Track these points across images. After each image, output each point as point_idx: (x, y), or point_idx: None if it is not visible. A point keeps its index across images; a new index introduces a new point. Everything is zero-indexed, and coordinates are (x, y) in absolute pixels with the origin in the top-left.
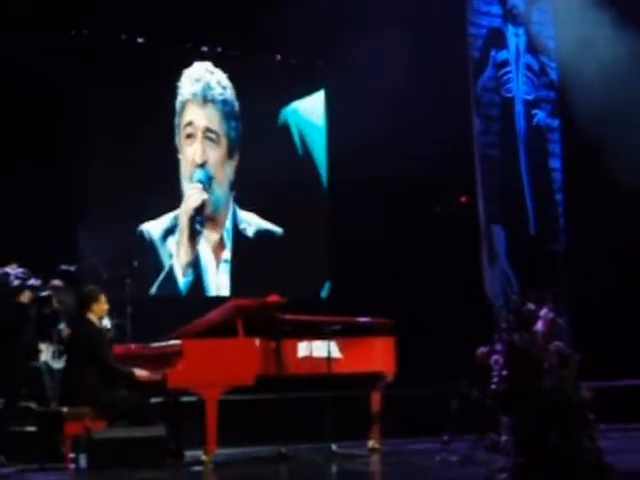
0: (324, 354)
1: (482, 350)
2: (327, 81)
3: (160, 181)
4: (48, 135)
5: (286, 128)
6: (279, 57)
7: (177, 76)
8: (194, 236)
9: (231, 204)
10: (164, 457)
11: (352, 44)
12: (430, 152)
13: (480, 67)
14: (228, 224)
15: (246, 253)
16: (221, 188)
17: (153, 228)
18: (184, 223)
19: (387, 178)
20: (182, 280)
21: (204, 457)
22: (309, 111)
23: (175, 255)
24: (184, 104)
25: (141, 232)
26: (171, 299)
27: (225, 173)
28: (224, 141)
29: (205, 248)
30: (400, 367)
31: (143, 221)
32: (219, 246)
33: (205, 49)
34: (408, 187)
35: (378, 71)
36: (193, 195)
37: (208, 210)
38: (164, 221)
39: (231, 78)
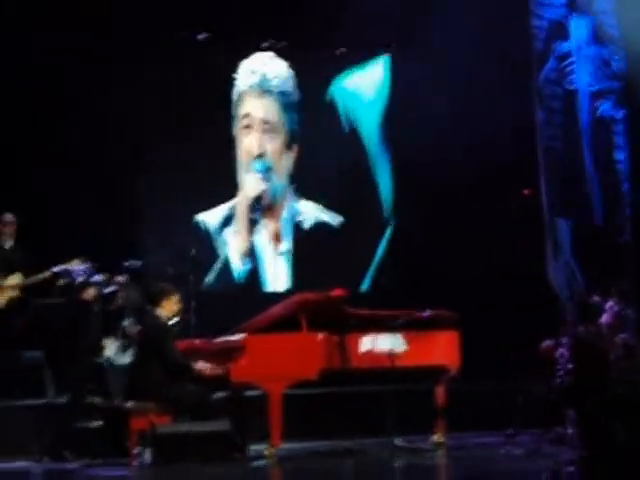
0: (387, 348)
1: (547, 343)
2: (389, 72)
3: (217, 172)
4: (108, 130)
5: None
6: (343, 49)
7: (234, 67)
8: (251, 225)
9: (289, 196)
10: (228, 451)
11: (415, 34)
12: (492, 144)
13: (542, 59)
14: (285, 215)
15: (304, 245)
16: (279, 179)
17: (209, 218)
18: (241, 212)
19: (449, 171)
20: (239, 270)
21: (268, 451)
22: (370, 102)
23: (231, 245)
24: (241, 95)
25: (197, 223)
26: (232, 294)
27: (283, 164)
28: (282, 132)
29: (262, 238)
30: (465, 361)
31: (200, 212)
32: (276, 237)
33: (268, 43)
34: (471, 180)
35: (440, 64)
36: (251, 184)
37: (266, 200)
38: (220, 211)
39: (292, 67)
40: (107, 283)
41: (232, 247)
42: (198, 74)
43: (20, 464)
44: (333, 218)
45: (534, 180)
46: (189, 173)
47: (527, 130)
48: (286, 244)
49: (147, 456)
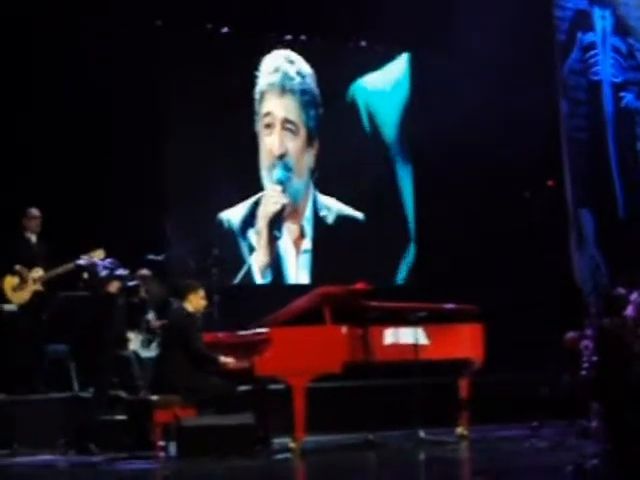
0: (411, 341)
1: (571, 335)
2: (411, 66)
3: (240, 168)
4: (132, 125)
5: (371, 118)
6: (364, 43)
7: (257, 64)
8: (273, 241)
9: (311, 191)
10: (252, 444)
11: (437, 27)
12: (516, 136)
13: (566, 50)
14: (308, 213)
15: (326, 241)
16: (301, 178)
17: (232, 216)
18: (263, 226)
19: (473, 163)
20: (261, 277)
21: (292, 444)
22: (390, 98)
23: (255, 252)
24: (263, 94)
25: (220, 220)
26: (253, 287)
27: (305, 162)
28: (303, 131)
29: (285, 240)
30: (489, 353)
31: (223, 209)
32: (299, 236)
33: (289, 37)
34: (494, 172)
35: (463, 56)
36: (273, 198)
37: (287, 212)
38: (242, 209)
39: (312, 64)
40: (130, 276)
41: (255, 256)
42: (223, 70)
43: (45, 457)
44: (355, 212)
45: (558, 171)
46: (213, 169)
47: (551, 121)
48: (309, 242)
49: (172, 449)
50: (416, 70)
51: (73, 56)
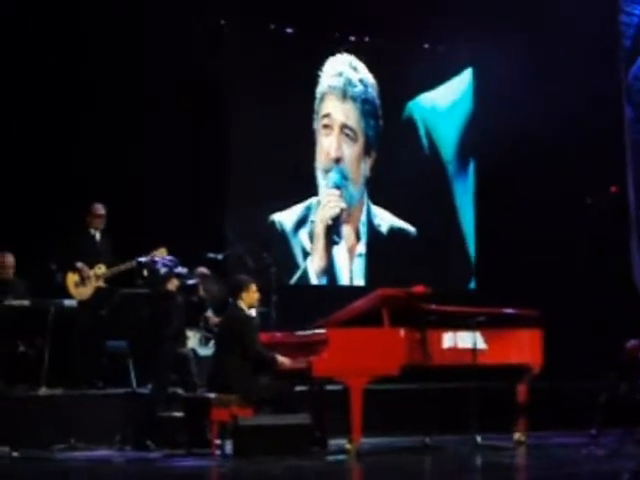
0: (469, 345)
1: (632, 343)
2: (474, 79)
3: (296, 168)
4: (196, 126)
5: (429, 136)
6: (426, 45)
7: (320, 65)
8: (330, 245)
9: (365, 198)
10: (309, 445)
11: (498, 30)
12: (579, 141)
13: (632, 56)
14: (363, 218)
15: (380, 246)
16: (356, 185)
17: (284, 218)
18: (320, 230)
19: (535, 168)
20: (317, 280)
21: (348, 446)
22: (451, 116)
23: (310, 256)
24: (323, 95)
25: (273, 222)
26: (310, 288)
27: (361, 169)
28: (361, 139)
29: (341, 243)
30: (548, 359)
31: (279, 209)
32: (354, 240)
33: (353, 38)
34: (557, 178)
35: (525, 60)
36: (331, 202)
37: (344, 217)
38: (296, 212)
39: (375, 73)
40: (190, 275)
41: (310, 263)
42: (284, 69)
43: (102, 453)
44: (408, 225)
45: (622, 177)
46: (272, 168)
47: (615, 127)
48: (363, 247)
49: (228, 448)
50: (479, 81)
51: (139, 54)
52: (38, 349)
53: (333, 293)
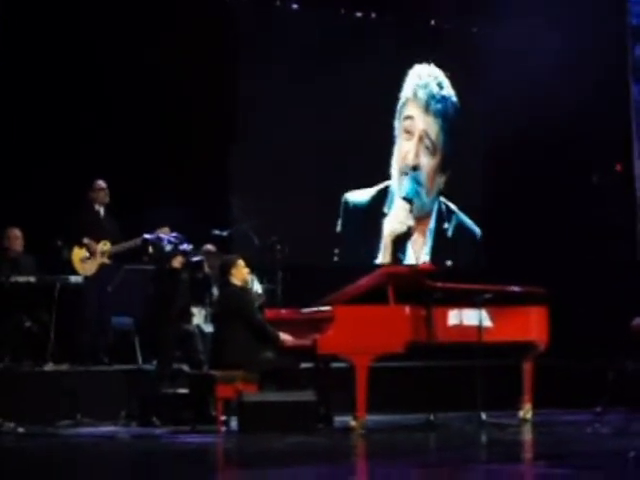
0: (475, 322)
1: (638, 321)
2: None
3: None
4: (201, 102)
5: None
6: None
7: (407, 68)
8: (397, 259)
9: (436, 207)
10: (314, 422)
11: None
12: (586, 120)
13: (639, 34)
14: (431, 225)
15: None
16: (429, 196)
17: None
18: (387, 243)
19: (540, 146)
20: None
21: (353, 423)
22: None
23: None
24: (407, 100)
25: (346, 200)
26: (316, 265)
27: (435, 183)
28: (439, 154)
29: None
30: (554, 337)
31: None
32: (421, 247)
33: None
34: (562, 156)
35: (534, 37)
36: (399, 217)
37: (411, 234)
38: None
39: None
40: (195, 252)
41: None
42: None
43: (108, 429)
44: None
45: (627, 156)
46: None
47: (622, 105)
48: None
49: (233, 424)
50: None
51: (150, 31)
52: (44, 325)
53: (340, 271)
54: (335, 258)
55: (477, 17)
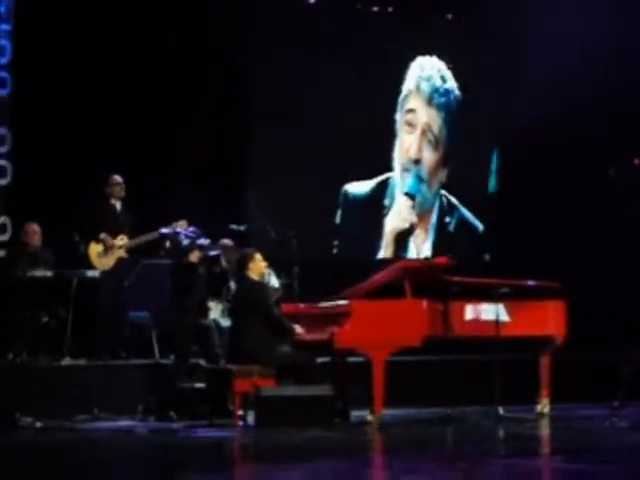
0: (492, 317)
1: None
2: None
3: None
4: (219, 96)
5: None
6: None
7: (410, 59)
8: (398, 256)
9: (438, 202)
10: (331, 416)
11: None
12: (605, 113)
13: None
14: (433, 219)
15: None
16: (431, 190)
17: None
18: (389, 240)
19: (556, 140)
20: None
21: (370, 417)
22: None
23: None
24: (410, 92)
25: (346, 192)
26: (332, 260)
27: (437, 177)
28: (442, 148)
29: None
30: (572, 331)
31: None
32: (422, 242)
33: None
34: (580, 149)
35: (565, 31)
36: (401, 214)
37: (413, 230)
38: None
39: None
40: (212, 246)
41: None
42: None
43: (125, 423)
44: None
45: None
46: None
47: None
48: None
49: (250, 418)
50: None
51: (166, 25)
52: (61, 320)
53: (356, 265)
54: (334, 250)
55: (482, 8)
